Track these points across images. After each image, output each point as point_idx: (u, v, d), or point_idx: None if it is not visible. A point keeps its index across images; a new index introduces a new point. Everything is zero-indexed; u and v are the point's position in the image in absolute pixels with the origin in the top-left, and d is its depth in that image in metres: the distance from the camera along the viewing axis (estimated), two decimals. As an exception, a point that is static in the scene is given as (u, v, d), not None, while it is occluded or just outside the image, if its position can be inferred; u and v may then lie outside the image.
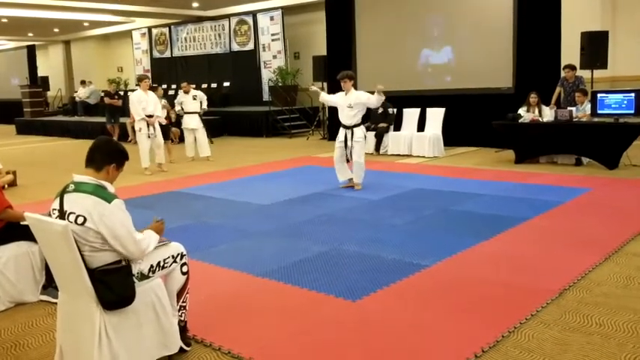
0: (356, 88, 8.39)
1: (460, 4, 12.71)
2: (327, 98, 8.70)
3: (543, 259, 4.98)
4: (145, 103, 10.54)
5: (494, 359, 3.28)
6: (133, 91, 19.91)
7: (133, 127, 15.87)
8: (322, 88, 8.88)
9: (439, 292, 4.32)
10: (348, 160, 8.31)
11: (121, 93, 20.30)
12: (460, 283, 4.47)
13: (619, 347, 3.37)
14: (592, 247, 5.23)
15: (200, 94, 12.73)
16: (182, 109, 12.56)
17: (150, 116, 10.55)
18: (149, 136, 10.56)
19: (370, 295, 4.27)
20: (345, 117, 8.23)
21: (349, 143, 8.19)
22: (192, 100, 12.42)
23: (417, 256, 5.16)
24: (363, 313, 3.96)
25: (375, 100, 8.05)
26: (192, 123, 12.24)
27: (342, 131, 8.31)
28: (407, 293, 4.32)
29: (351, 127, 8.19)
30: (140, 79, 10.86)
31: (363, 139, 8.27)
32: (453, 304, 4.08)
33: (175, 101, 12.94)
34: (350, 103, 8.12)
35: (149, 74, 21.08)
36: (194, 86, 13.30)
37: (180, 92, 12.86)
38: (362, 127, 8.27)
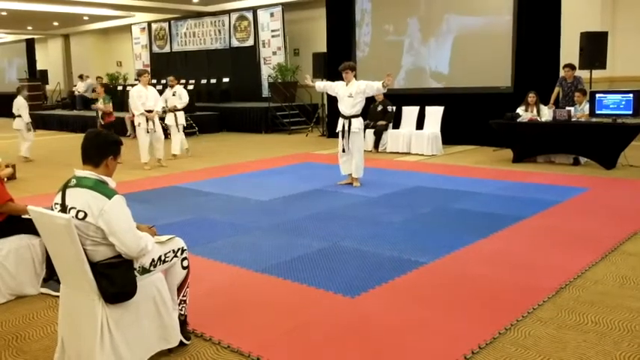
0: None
1: (460, 2, 12.74)
2: (322, 84, 8.73)
3: (540, 257, 5.02)
4: (144, 98, 10.56)
5: (491, 356, 3.31)
6: (132, 85, 19.97)
7: (132, 122, 15.94)
8: (313, 82, 8.88)
9: (437, 289, 4.35)
10: (343, 150, 8.34)
11: (113, 87, 20.29)
12: (458, 281, 4.51)
13: (614, 345, 3.40)
14: (589, 246, 5.27)
15: (179, 89, 12.31)
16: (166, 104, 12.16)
17: (149, 111, 10.56)
18: (148, 131, 10.58)
19: (368, 292, 4.30)
20: (345, 106, 8.27)
21: (346, 134, 8.24)
22: (171, 97, 12.11)
23: (415, 253, 5.19)
24: (361, 310, 3.99)
25: (375, 87, 8.10)
26: (169, 119, 11.95)
27: (340, 121, 8.37)
28: (405, 290, 4.36)
29: (349, 117, 8.23)
30: (140, 74, 10.83)
31: (360, 131, 8.30)
32: (450, 301, 4.11)
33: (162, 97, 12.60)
34: (351, 92, 8.16)
35: (148, 69, 21.03)
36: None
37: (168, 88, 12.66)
38: (360, 119, 8.30)
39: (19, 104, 11.99)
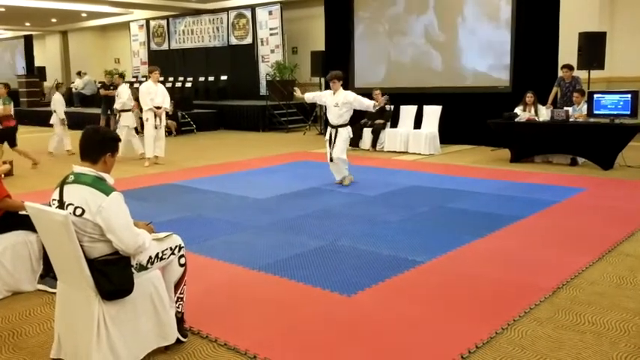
0: (347, 86, 8.40)
1: (459, 1, 12.74)
2: (311, 96, 8.70)
3: (537, 257, 5.02)
4: (153, 94, 10.61)
5: (488, 355, 3.31)
6: (130, 83, 19.90)
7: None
8: (304, 92, 8.82)
9: (434, 289, 4.35)
10: (331, 160, 8.29)
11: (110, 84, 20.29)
12: (454, 280, 4.51)
13: (611, 345, 3.41)
14: (586, 247, 5.28)
15: (121, 88, 11.95)
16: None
17: (158, 107, 10.62)
18: (156, 127, 10.62)
19: (365, 291, 4.30)
20: (332, 116, 8.25)
21: (333, 143, 8.21)
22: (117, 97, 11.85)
23: (411, 252, 5.20)
24: (357, 309, 3.99)
25: (364, 104, 8.12)
26: (127, 120, 11.66)
27: (328, 130, 8.35)
28: (401, 289, 4.36)
29: (336, 127, 8.20)
30: (150, 71, 10.87)
31: (346, 140, 8.23)
32: (447, 300, 4.11)
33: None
34: (337, 102, 8.13)
35: (147, 66, 21.00)
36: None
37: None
38: (347, 128, 8.25)
39: (55, 100, 12.51)
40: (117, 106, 11.77)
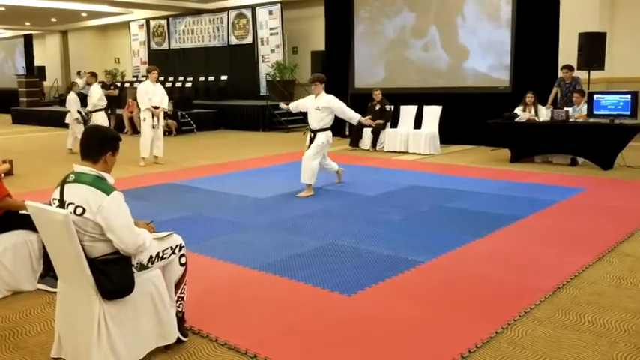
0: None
1: (459, 1, 12.75)
2: (294, 104, 8.46)
3: (537, 257, 5.02)
4: (151, 94, 10.59)
5: (488, 355, 3.32)
6: (130, 82, 19.88)
7: (130, 119, 15.95)
8: (287, 105, 8.69)
9: (434, 288, 4.36)
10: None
11: (118, 84, 20.31)
12: (454, 280, 4.51)
13: (610, 345, 3.41)
14: (585, 247, 5.28)
15: (93, 88, 11.99)
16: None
17: (156, 107, 10.60)
18: (153, 127, 10.60)
19: (365, 290, 4.31)
20: (313, 120, 7.96)
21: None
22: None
23: (412, 252, 5.20)
24: (358, 308, 4.00)
25: (348, 115, 7.92)
26: (99, 120, 11.59)
27: (308, 135, 8.19)
28: (401, 289, 4.36)
29: (315, 131, 7.91)
30: (149, 71, 10.85)
31: (322, 144, 7.88)
32: (447, 300, 4.12)
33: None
34: (318, 105, 7.85)
35: (147, 66, 20.99)
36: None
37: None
38: (327, 133, 7.92)
39: (69, 99, 12.59)
40: (89, 107, 11.72)
